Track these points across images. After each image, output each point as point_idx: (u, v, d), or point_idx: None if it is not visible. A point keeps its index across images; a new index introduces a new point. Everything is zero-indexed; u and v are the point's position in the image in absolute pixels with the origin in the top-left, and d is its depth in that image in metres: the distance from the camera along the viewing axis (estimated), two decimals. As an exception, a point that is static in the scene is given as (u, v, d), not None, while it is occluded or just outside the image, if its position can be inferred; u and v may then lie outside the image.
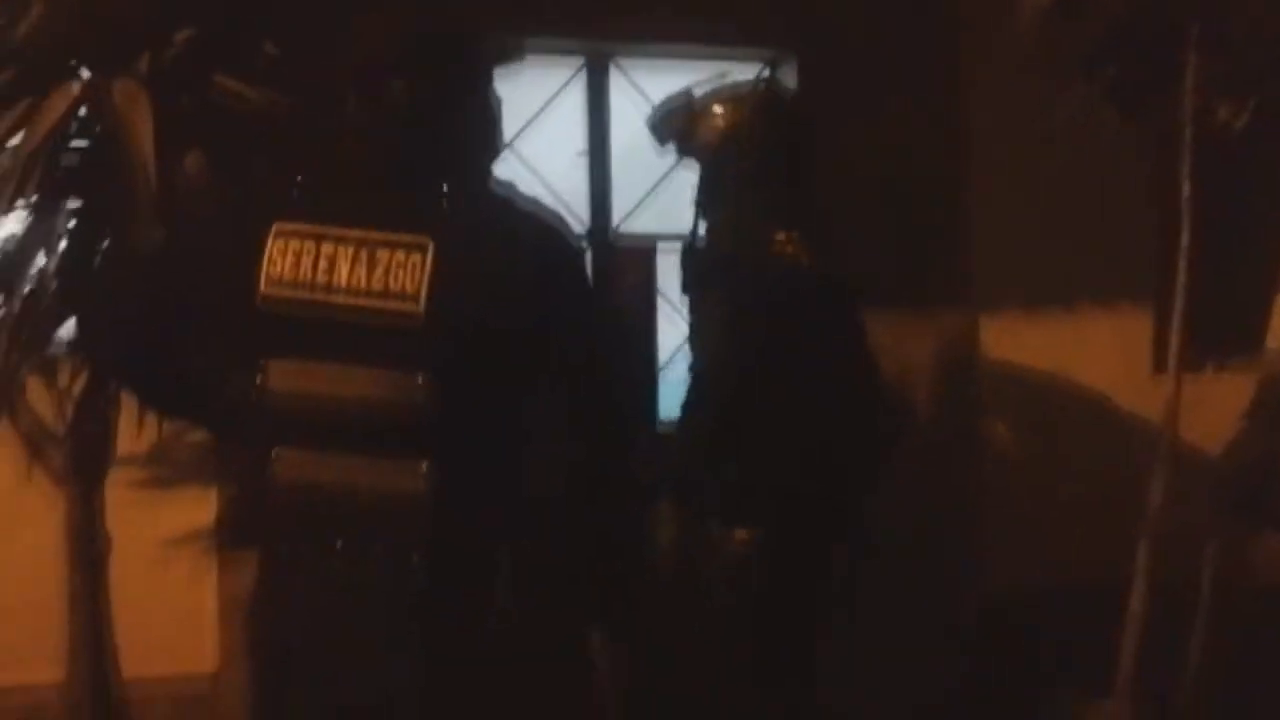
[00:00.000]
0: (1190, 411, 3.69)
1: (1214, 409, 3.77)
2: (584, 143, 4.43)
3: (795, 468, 2.87)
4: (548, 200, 2.63)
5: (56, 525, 3.23)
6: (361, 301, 1.99)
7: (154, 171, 2.83)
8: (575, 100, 4.42)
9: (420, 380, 1.99)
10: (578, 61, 4.38)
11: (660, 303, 4.19)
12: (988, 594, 4.36)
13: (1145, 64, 3.69)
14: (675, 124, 3.16)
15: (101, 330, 2.42)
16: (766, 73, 3.24)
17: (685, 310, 3.30)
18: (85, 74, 3.01)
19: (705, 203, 3.12)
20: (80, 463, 3.18)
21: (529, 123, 4.21)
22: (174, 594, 3.68)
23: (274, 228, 2.03)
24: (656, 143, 3.23)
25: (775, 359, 2.88)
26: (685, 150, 3.16)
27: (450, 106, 2.08)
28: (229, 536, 3.57)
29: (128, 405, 2.94)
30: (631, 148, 4.29)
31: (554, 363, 2.09)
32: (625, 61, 4.42)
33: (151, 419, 2.94)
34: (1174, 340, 3.53)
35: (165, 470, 3.64)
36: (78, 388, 3.10)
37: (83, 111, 2.99)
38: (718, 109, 3.11)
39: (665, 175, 4.33)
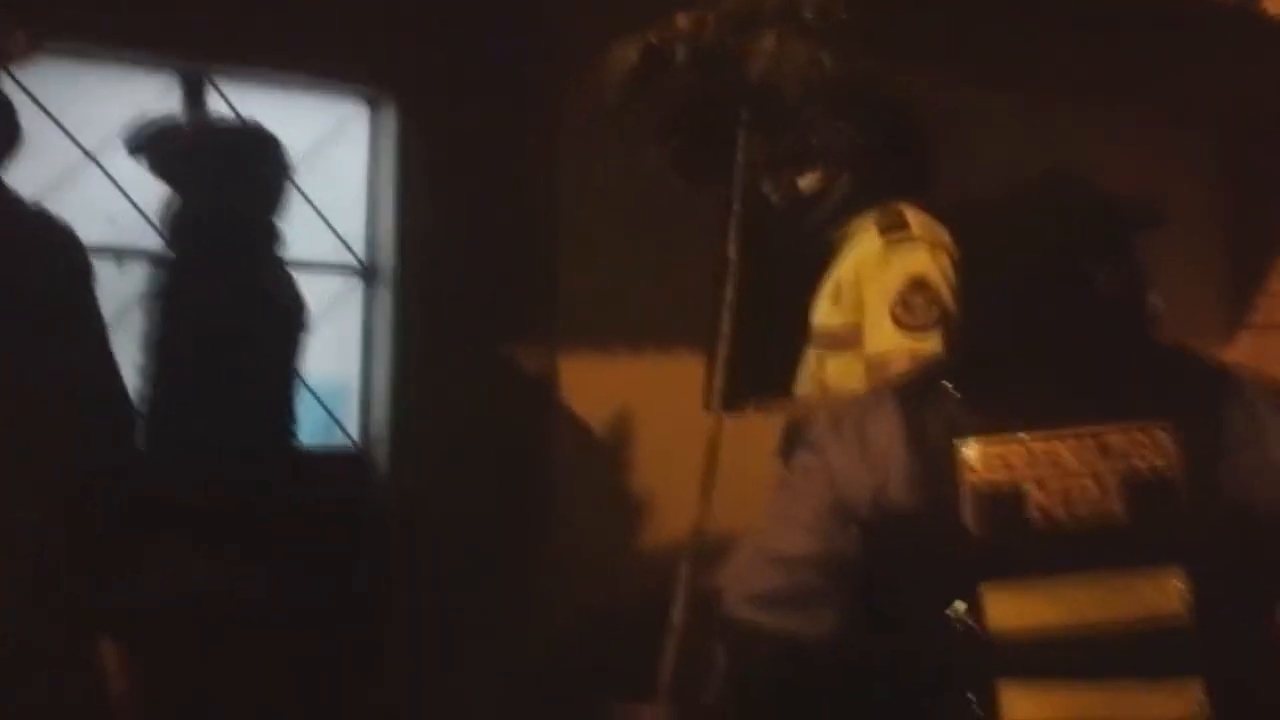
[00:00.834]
0: (733, 445, 4.18)
1: (754, 443, 4.25)
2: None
3: None
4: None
5: None
6: None
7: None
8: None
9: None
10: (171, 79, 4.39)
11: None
12: (564, 609, 4.72)
13: (706, 139, 4.15)
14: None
15: None
16: None
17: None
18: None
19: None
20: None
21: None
22: None
23: None
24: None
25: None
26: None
27: None
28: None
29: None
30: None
31: None
32: (224, 81, 4.48)
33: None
34: (715, 381, 4.01)
35: None
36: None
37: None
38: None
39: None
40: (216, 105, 4.47)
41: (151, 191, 3.61)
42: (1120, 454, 1.75)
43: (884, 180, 3.46)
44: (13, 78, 3.53)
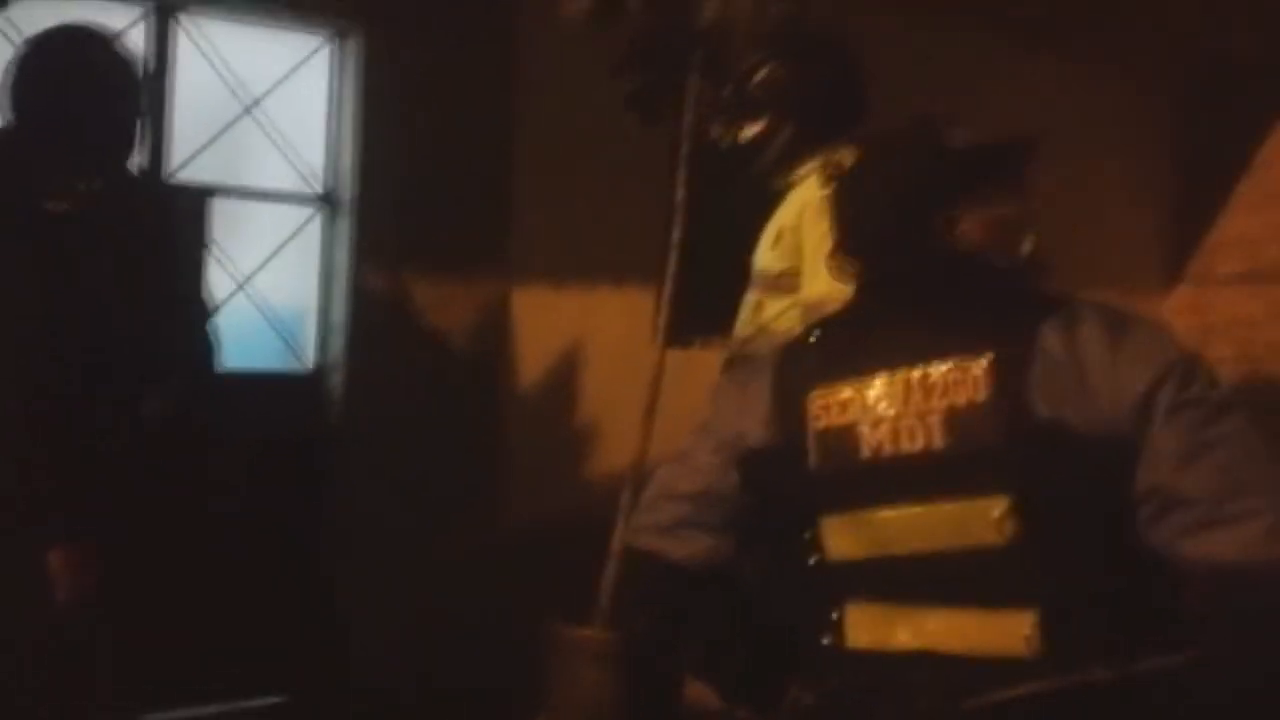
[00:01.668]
0: (678, 378, 4.33)
1: (697, 377, 4.39)
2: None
3: None
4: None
5: None
6: None
7: None
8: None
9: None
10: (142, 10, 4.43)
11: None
12: (510, 533, 4.87)
13: (661, 80, 4.26)
14: None
15: None
16: None
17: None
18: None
19: None
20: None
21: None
22: None
23: None
24: None
25: None
26: None
27: None
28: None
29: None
30: (194, 98, 4.54)
31: None
32: (193, 14, 4.54)
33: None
34: (660, 317, 4.16)
35: None
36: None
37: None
38: None
39: (226, 126, 4.61)
40: (186, 39, 4.54)
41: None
42: (942, 390, 1.86)
43: (828, 128, 3.52)
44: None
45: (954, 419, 1.85)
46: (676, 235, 4.12)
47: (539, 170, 4.95)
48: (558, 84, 4.87)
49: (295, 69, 4.78)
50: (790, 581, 2.01)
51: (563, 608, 4.32)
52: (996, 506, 1.80)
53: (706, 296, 4.26)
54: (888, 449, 1.90)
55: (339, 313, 4.80)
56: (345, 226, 4.79)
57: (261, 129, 4.71)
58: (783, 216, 3.55)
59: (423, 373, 4.78)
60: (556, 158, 4.95)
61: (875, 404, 1.92)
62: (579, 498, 4.85)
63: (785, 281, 3.45)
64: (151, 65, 4.27)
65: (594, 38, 4.17)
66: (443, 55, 4.76)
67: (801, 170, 3.52)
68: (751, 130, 3.57)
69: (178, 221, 3.69)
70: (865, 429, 1.92)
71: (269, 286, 4.74)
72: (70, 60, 3.02)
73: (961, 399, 1.85)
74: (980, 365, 1.84)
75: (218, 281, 4.44)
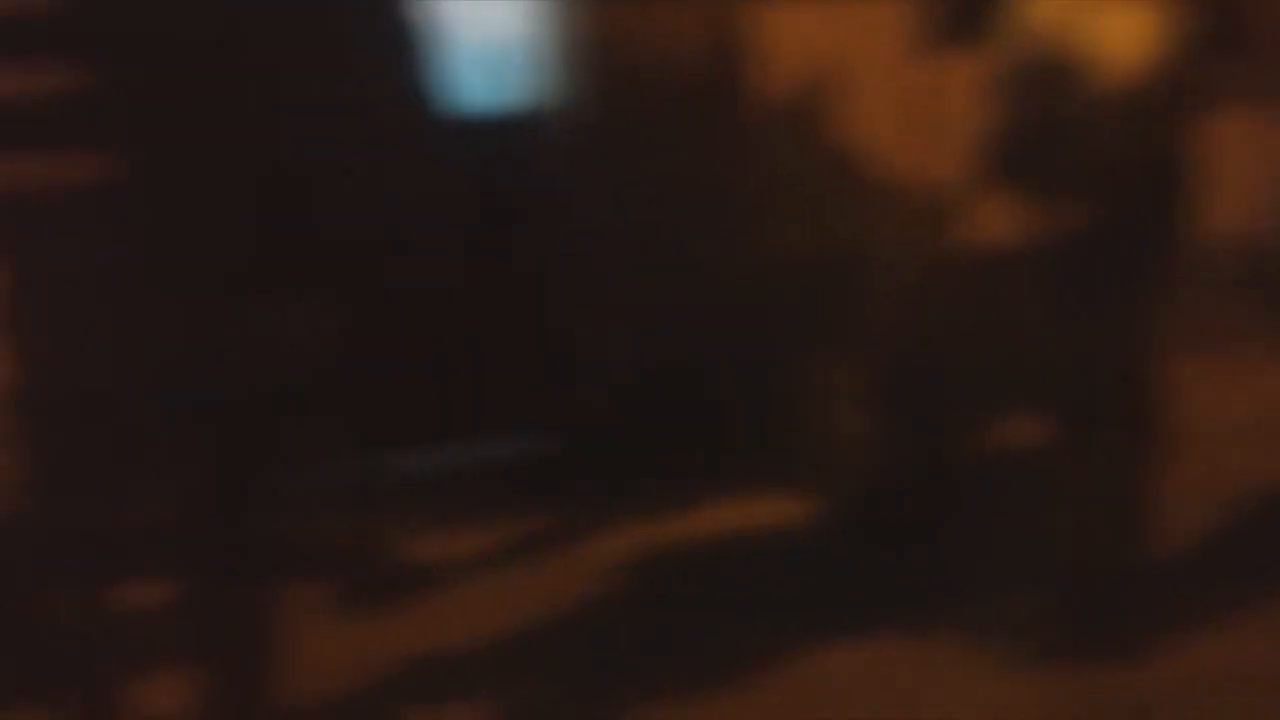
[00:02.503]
0: (941, 90, 3.91)
1: (964, 88, 3.95)
2: None
3: None
4: None
5: None
6: None
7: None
8: None
9: None
10: None
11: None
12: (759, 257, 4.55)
13: None
14: None
15: None
16: None
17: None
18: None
19: None
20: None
21: None
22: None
23: None
24: None
25: None
26: None
27: None
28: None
29: None
30: None
31: None
32: None
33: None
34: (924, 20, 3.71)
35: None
36: None
37: None
38: None
39: None
40: None
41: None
42: None
43: None
44: None
45: None
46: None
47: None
48: None
49: None
50: None
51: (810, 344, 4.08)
52: None
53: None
54: None
55: (558, 44, 4.47)
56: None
57: None
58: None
59: (652, 102, 4.44)
60: None
61: None
62: (835, 227, 4.49)
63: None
64: None
65: None
66: None
67: None
68: None
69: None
70: None
71: (484, 18, 4.47)
72: None
73: None
74: None
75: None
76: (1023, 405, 3.29)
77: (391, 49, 3.28)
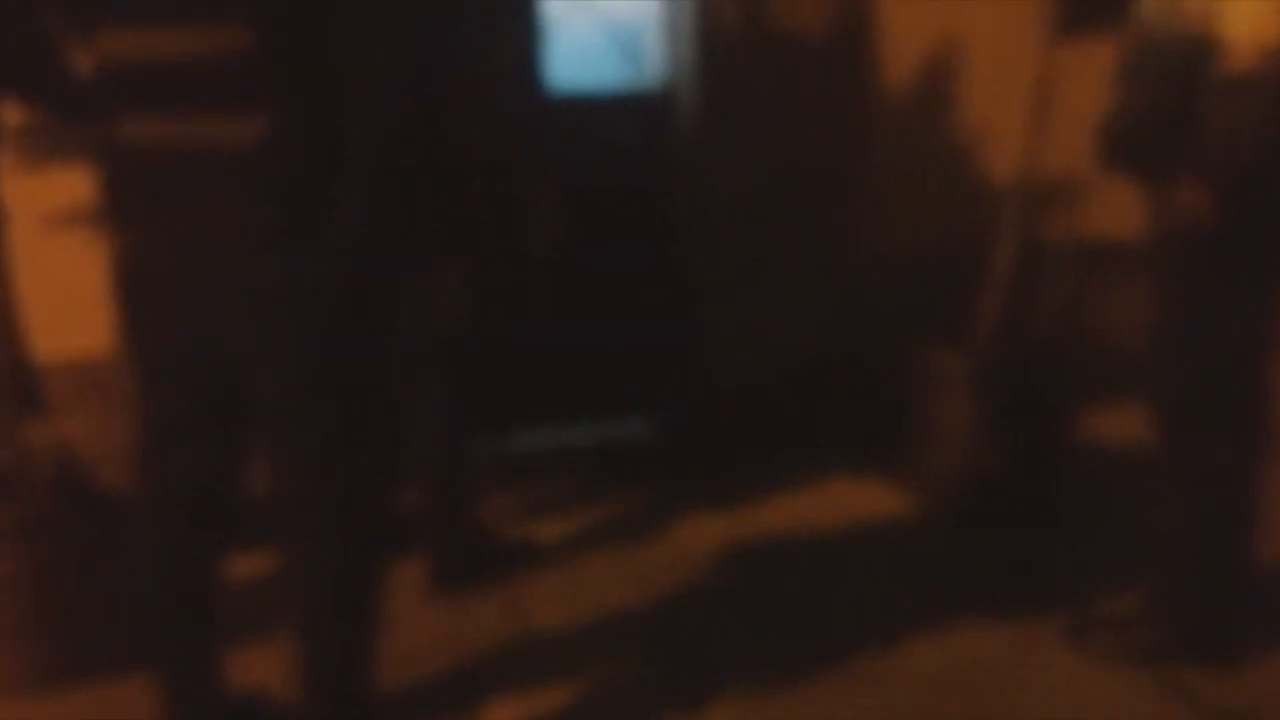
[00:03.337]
0: (1067, 76, 3.80)
1: (1091, 73, 3.85)
2: None
3: None
4: None
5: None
6: None
7: None
8: None
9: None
10: None
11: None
12: (879, 252, 4.53)
13: None
14: None
15: None
16: None
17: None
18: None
19: None
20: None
21: None
22: (73, 268, 3.31)
23: None
24: None
25: None
26: None
27: None
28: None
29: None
30: None
31: None
32: None
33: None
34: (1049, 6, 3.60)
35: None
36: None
37: None
38: None
39: None
40: None
41: None
42: None
43: None
44: None
45: None
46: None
47: None
48: None
49: None
50: None
51: (933, 332, 4.02)
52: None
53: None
54: None
55: (685, 22, 4.44)
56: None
57: None
58: None
59: (776, 83, 4.40)
60: None
61: None
62: (949, 218, 4.43)
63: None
64: None
65: None
66: None
67: None
68: None
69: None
70: None
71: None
72: None
73: None
74: None
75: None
76: (1133, 399, 3.21)
77: (525, 31, 3.26)
